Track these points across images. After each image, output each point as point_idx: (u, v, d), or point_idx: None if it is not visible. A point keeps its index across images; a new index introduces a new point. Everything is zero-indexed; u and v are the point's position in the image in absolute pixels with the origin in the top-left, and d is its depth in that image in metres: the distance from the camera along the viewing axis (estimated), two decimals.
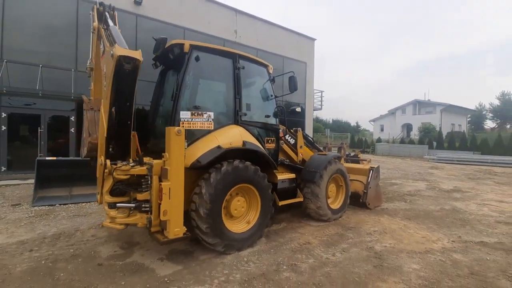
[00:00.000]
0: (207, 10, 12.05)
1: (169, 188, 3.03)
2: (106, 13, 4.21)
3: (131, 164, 3.32)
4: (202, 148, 3.60)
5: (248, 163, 3.75)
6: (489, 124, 40.83)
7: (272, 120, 4.62)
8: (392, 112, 43.27)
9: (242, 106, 4.12)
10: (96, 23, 4.03)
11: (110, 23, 3.98)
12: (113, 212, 3.28)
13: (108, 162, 3.23)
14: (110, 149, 3.36)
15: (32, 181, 7.75)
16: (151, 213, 3.19)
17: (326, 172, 4.92)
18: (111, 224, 3.30)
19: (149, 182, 3.21)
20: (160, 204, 3.12)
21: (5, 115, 8.30)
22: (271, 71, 4.79)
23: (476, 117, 41.06)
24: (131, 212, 3.36)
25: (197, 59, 3.84)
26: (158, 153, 3.43)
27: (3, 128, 8.26)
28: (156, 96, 4.61)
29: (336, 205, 5.25)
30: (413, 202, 7.01)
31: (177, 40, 3.92)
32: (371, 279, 3.03)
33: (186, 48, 3.78)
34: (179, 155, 3.13)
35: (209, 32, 11.86)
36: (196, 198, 3.39)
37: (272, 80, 4.74)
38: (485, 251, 3.89)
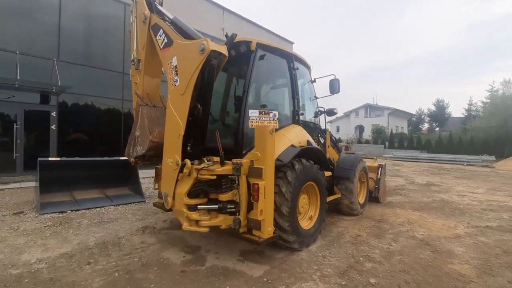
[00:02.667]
0: (196, 5, 11.65)
1: (265, 187, 3.00)
2: (156, 2, 3.91)
3: (208, 163, 3.17)
4: (277, 147, 3.59)
5: (311, 161, 3.87)
6: (426, 126, 47.02)
7: (317, 120, 4.80)
8: (347, 115, 46.84)
9: (300, 106, 4.21)
10: (148, 12, 3.73)
11: (168, 13, 3.72)
12: (195, 215, 3.10)
13: (188, 161, 3.05)
14: (188, 148, 3.17)
15: (15, 185, 6.68)
16: (238, 214, 3.10)
17: (357, 170, 5.28)
18: (193, 227, 3.12)
19: (236, 182, 3.12)
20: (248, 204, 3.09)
21: None
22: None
23: (416, 120, 47.00)
24: (209, 214, 3.22)
25: (261, 58, 3.81)
26: (206, 152, 3.31)
27: None
28: None
29: (361, 200, 5.65)
30: (407, 195, 7.86)
31: (244, 37, 3.84)
32: (439, 262, 3.41)
33: (253, 46, 3.73)
34: (272, 154, 3.10)
35: (197, 28, 11.43)
36: (276, 197, 3.39)
37: (314, 81, 4.91)
38: (497, 234, 4.63)
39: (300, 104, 4.28)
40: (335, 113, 5.12)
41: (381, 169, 6.61)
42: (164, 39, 3.51)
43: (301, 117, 4.23)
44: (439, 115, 42.48)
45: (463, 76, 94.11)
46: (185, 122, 3.09)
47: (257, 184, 2.98)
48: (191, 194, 3.15)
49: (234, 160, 3.15)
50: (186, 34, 3.38)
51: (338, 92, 4.83)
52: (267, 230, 3.04)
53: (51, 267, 3.00)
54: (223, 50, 3.07)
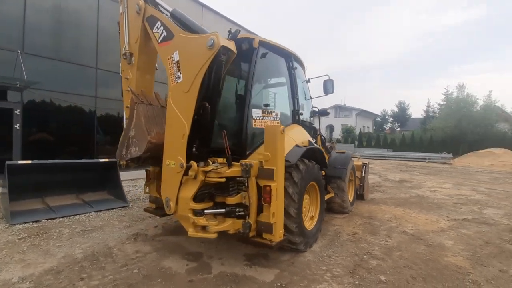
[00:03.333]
0: (176, 1, 11.16)
1: (276, 189, 2.91)
2: None
3: (215, 165, 3.02)
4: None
5: (313, 161, 3.86)
6: (389, 126, 50.21)
7: (312, 120, 4.82)
8: None
9: (299, 106, 4.19)
10: (142, 2, 3.47)
11: (165, 4, 3.48)
12: (203, 220, 2.92)
13: (194, 164, 2.87)
14: (194, 149, 2.99)
15: None
16: (248, 218, 2.98)
17: (348, 168, 5.41)
18: (200, 233, 2.94)
19: (246, 184, 2.99)
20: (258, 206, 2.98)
21: None
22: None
23: (381, 120, 49.97)
24: (216, 218, 3.06)
25: (263, 55, 3.71)
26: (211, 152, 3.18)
27: None
28: None
29: (351, 198, 5.81)
30: (386, 192, 8.26)
31: (246, 34, 3.71)
32: (435, 255, 3.59)
33: (256, 44, 3.61)
34: (283, 155, 3.03)
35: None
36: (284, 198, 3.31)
37: (308, 81, 4.93)
38: (475, 226, 5.02)
39: (300, 103, 4.26)
40: (328, 114, 5.19)
41: (365, 167, 6.86)
42: (162, 32, 3.27)
43: (300, 117, 4.21)
44: (401, 116, 45.67)
45: (421, 80, 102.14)
46: (190, 121, 2.91)
47: (269, 186, 2.89)
48: (196, 198, 2.96)
49: (243, 161, 3.02)
50: (188, 27, 3.19)
51: (332, 92, 4.89)
52: (279, 233, 2.96)
53: (38, 286, 2.63)
54: (232, 46, 2.94)
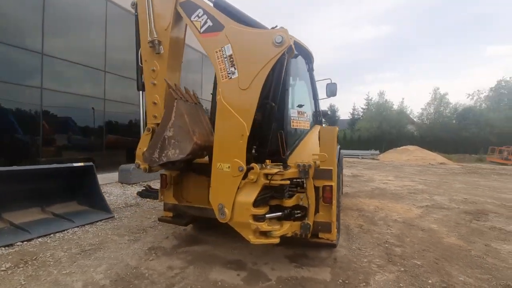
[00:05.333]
0: None
1: (334, 189, 2.98)
2: None
3: (268, 167, 2.92)
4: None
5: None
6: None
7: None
8: None
9: (319, 107, 4.33)
10: None
11: None
12: (266, 225, 2.77)
13: (256, 166, 2.73)
14: (253, 151, 2.83)
15: None
16: (306, 219, 2.96)
17: (341, 165, 5.83)
18: (263, 239, 2.78)
19: (304, 185, 2.96)
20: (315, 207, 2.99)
21: None
22: None
23: None
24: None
25: (295, 56, 3.71)
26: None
27: None
28: None
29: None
30: (351, 185, 9.17)
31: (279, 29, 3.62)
32: (436, 238, 4.21)
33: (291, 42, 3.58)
34: (336, 155, 3.10)
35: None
36: None
37: None
38: (438, 211, 6.05)
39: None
40: (329, 115, 5.48)
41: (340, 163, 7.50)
42: (206, 22, 2.96)
43: (321, 118, 4.36)
44: (333, 117, 50.90)
45: (344, 87, 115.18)
46: (250, 120, 2.72)
47: (330, 185, 2.94)
48: (256, 202, 2.80)
49: (300, 163, 2.99)
50: (239, 19, 2.96)
51: (335, 95, 5.19)
52: (335, 232, 3.04)
53: None
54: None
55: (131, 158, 9.35)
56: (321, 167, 3.01)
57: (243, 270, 3.08)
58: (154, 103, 3.16)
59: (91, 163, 4.98)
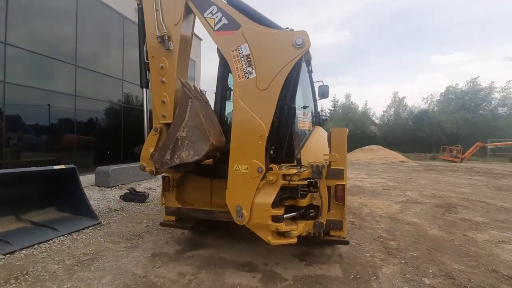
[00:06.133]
0: None
1: (346, 188, 3.10)
2: None
3: (284, 167, 2.95)
4: (324, 147, 3.70)
5: None
6: None
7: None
8: None
9: (317, 108, 4.44)
10: None
11: None
12: (284, 226, 2.79)
13: (275, 167, 2.75)
14: (272, 152, 2.84)
15: None
16: (319, 218, 3.03)
17: None
18: (282, 240, 2.80)
19: (317, 184, 3.02)
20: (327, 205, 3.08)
21: None
22: None
23: None
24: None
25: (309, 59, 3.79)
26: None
27: None
28: (224, 91, 3.84)
29: None
30: None
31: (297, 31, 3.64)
32: (421, 231, 4.57)
33: None
34: (346, 155, 3.21)
35: (108, 2, 9.16)
36: None
37: None
38: (413, 205, 6.57)
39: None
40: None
41: None
42: (221, 20, 2.89)
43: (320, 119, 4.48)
44: None
45: None
46: (269, 121, 2.72)
47: (342, 185, 3.05)
48: (274, 203, 2.80)
49: (313, 163, 3.05)
50: (255, 19, 2.92)
51: (327, 97, 5.37)
52: (346, 229, 3.16)
53: None
54: None
55: (101, 160, 8.74)
56: (332, 167, 3.10)
57: (257, 272, 3.06)
58: (163, 102, 2.99)
59: (73, 166, 4.57)
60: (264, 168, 2.69)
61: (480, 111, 32.80)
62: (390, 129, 33.52)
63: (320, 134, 4.02)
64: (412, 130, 31.48)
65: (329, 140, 3.23)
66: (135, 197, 5.89)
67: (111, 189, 6.83)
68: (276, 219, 2.76)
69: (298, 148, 3.60)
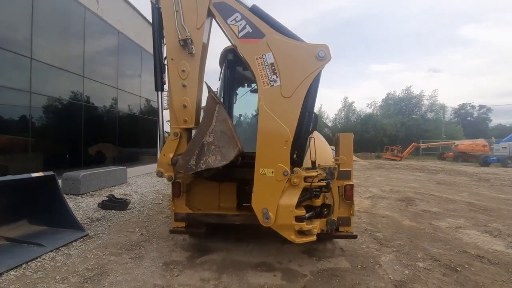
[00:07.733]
0: None
1: (354, 187, 3.42)
2: None
3: (315, 170, 3.16)
4: (327, 150, 3.98)
5: None
6: None
7: None
8: None
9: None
10: None
11: None
12: (307, 225, 2.97)
13: (299, 170, 2.95)
14: (295, 156, 3.03)
15: None
16: (332, 215, 3.29)
17: None
18: (305, 238, 2.97)
19: (330, 185, 3.28)
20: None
21: None
22: None
23: None
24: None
25: None
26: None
27: None
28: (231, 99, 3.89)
29: None
30: None
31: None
32: (396, 223, 5.20)
33: None
34: (352, 158, 3.53)
35: None
36: None
37: None
38: (380, 200, 7.36)
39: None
40: None
41: None
42: (245, 27, 2.96)
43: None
44: None
45: None
46: (294, 127, 2.89)
47: (351, 184, 3.37)
48: (297, 204, 2.98)
49: (325, 165, 3.30)
50: (278, 29, 3.05)
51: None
52: (353, 224, 3.49)
53: None
54: None
55: (58, 164, 7.80)
56: (341, 169, 3.40)
57: (276, 271, 3.19)
58: (185, 106, 2.92)
59: (51, 172, 4.09)
60: (289, 171, 2.85)
61: (413, 116, 37.70)
62: (341, 131, 36.32)
63: (320, 139, 4.31)
64: (360, 132, 34.63)
65: (336, 144, 3.53)
66: (115, 204, 5.46)
67: (81, 197, 6.18)
68: (299, 219, 2.94)
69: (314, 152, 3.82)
